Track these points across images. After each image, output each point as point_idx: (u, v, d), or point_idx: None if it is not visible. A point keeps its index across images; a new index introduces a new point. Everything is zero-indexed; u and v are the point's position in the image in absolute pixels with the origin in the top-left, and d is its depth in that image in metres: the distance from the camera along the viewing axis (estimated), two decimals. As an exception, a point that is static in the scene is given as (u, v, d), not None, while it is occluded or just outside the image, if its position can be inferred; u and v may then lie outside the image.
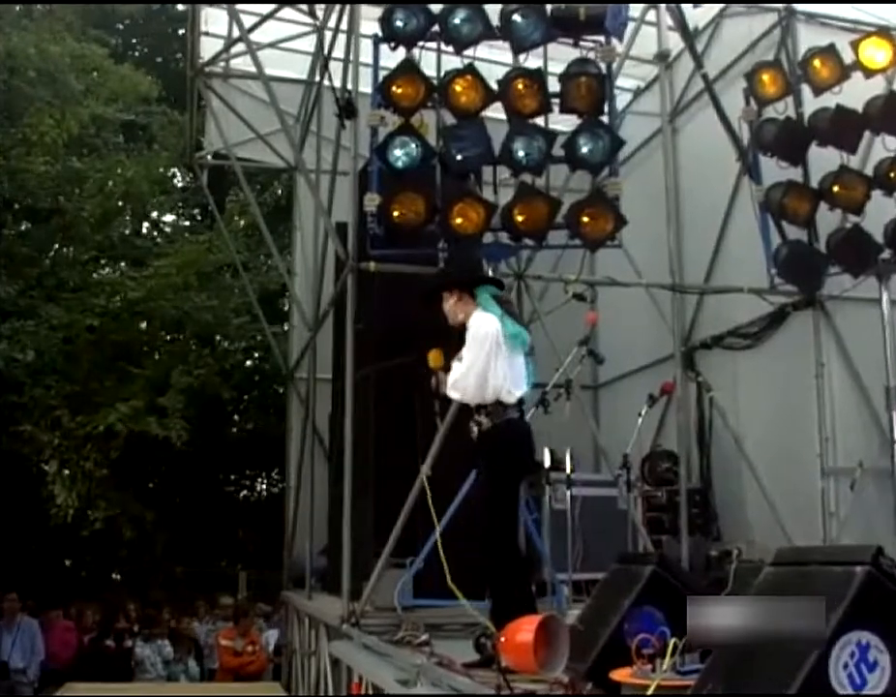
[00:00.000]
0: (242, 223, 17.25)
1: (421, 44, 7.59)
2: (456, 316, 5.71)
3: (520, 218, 7.21)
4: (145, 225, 20.22)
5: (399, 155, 7.41)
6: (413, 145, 7.39)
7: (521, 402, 5.63)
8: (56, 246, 17.12)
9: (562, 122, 7.84)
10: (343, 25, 8.91)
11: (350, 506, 7.56)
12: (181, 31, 19.24)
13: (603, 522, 8.26)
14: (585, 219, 7.17)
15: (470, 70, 7.43)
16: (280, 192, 19.20)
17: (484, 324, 5.52)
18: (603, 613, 3.93)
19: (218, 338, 18.79)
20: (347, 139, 8.40)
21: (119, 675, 12.46)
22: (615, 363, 10.55)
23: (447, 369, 5.71)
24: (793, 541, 8.64)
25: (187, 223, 20.86)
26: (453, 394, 5.69)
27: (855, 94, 8.43)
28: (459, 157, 7.30)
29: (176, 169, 19.79)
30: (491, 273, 7.63)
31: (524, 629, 3.83)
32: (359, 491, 7.76)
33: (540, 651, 3.70)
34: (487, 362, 5.43)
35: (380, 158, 7.45)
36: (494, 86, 7.42)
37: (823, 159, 8.49)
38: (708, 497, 10.12)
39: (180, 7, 19.62)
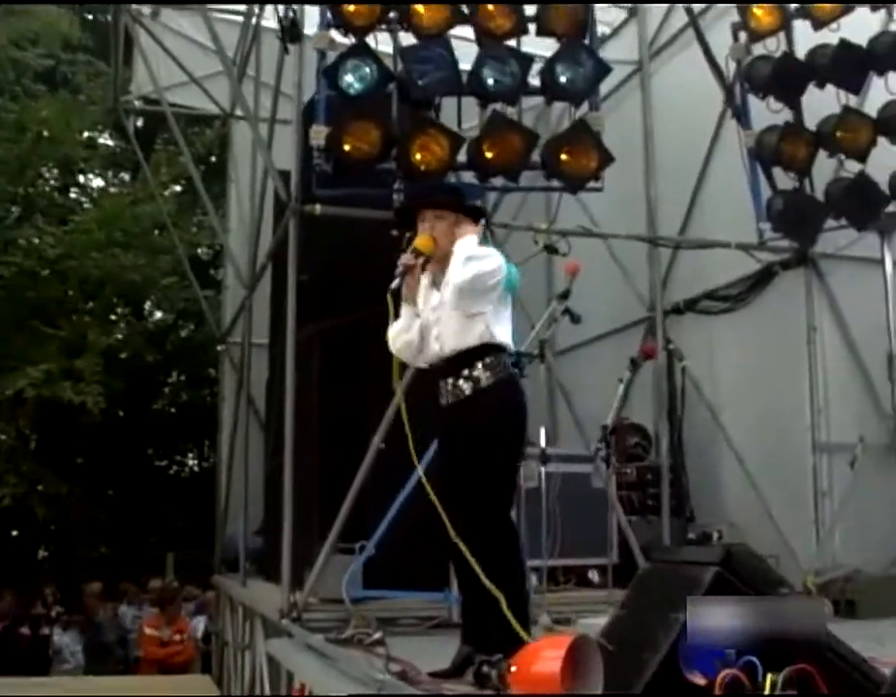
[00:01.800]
0: (169, 177, 15.96)
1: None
2: (447, 240, 4.61)
3: (490, 153, 6.28)
4: (73, 191, 18.88)
5: (351, 80, 6.43)
6: (368, 69, 6.42)
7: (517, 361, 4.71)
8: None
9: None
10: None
11: (291, 484, 6.61)
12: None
13: (576, 502, 7.38)
14: (565, 156, 6.26)
15: (435, -17, 6.48)
16: (212, 150, 18.03)
17: (494, 256, 4.57)
18: (644, 629, 3.00)
19: (147, 305, 17.68)
20: (290, 86, 7.41)
21: (35, 666, 11.45)
22: (572, 329, 9.68)
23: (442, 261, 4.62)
24: (779, 523, 7.87)
25: (114, 189, 19.55)
26: (462, 284, 4.45)
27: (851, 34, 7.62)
28: (421, 82, 6.33)
29: (107, 136, 18.56)
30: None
31: (547, 657, 2.83)
32: (301, 466, 6.81)
33: (567, 683, 2.73)
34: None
35: (330, 83, 6.47)
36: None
37: (815, 103, 7.66)
38: (680, 474, 9.32)
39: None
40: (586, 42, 6.51)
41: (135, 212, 15.02)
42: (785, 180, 7.66)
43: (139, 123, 17.01)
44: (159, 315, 18.54)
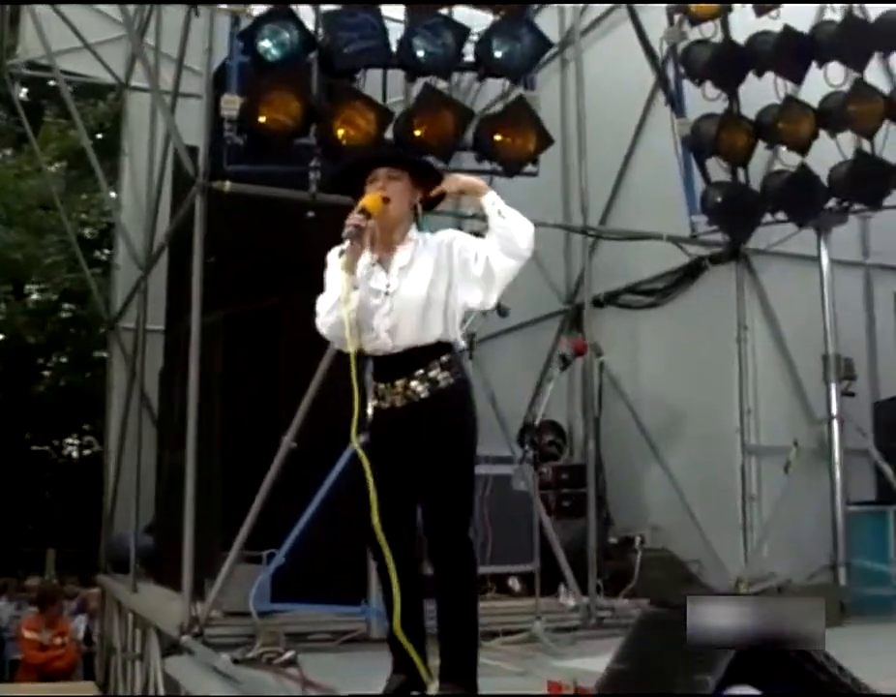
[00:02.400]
0: (58, 151, 15.05)
1: None
2: (399, 207, 4.05)
3: (420, 130, 5.78)
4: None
5: (269, 45, 5.88)
6: (288, 34, 5.87)
7: None
8: None
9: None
10: None
11: (194, 484, 6.03)
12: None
13: (497, 506, 6.97)
14: (500, 137, 5.80)
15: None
16: (103, 124, 17.09)
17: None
18: (661, 689, 2.54)
19: (29, 287, 16.70)
20: (194, 57, 6.81)
21: None
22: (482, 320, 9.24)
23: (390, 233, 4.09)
24: (706, 527, 7.61)
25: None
26: (520, 233, 4.00)
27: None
28: (346, 50, 5.80)
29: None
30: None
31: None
32: (201, 464, 6.22)
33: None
34: None
35: (245, 48, 5.90)
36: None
37: (750, 92, 7.35)
38: (597, 474, 8.97)
39: None
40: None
41: (20, 187, 14.09)
42: (717, 171, 7.35)
43: (24, 94, 16.01)
44: (38, 295, 17.53)
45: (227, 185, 6.12)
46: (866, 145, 6.84)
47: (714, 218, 6.92)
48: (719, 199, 6.78)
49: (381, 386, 4.06)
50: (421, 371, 3.97)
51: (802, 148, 6.77)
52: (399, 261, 4.06)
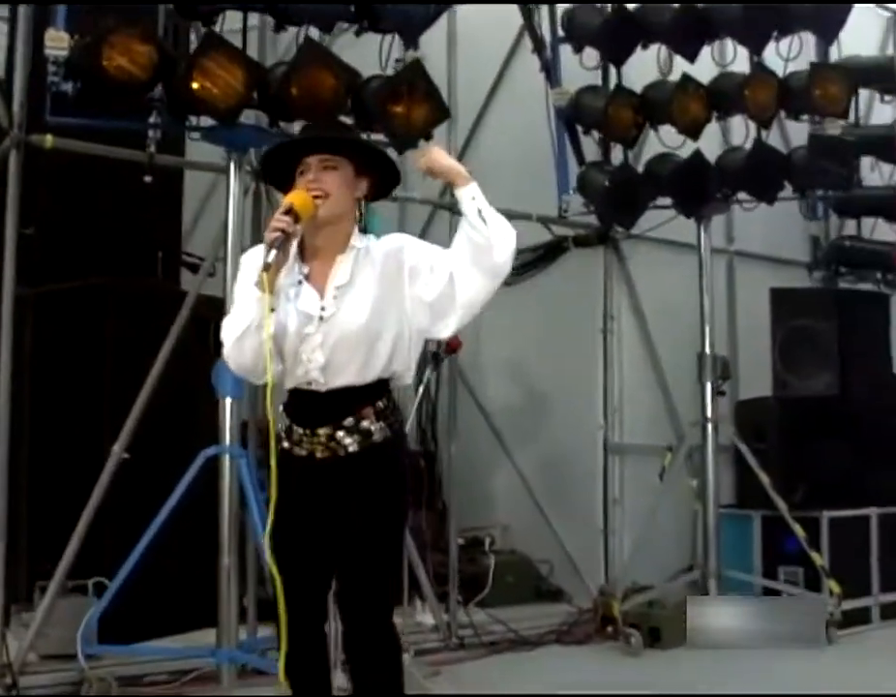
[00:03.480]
0: None
1: None
2: (337, 204, 3.17)
3: (296, 90, 4.86)
4: None
5: (111, -25, 4.82)
6: (134, -38, 4.82)
7: None
8: None
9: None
10: None
11: (5, 497, 4.99)
12: None
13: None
14: (392, 106, 4.96)
15: None
16: None
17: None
18: None
19: None
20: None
21: None
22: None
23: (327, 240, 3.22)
24: (561, 530, 7.12)
25: None
26: (503, 244, 3.09)
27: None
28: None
29: None
30: (234, 169, 5.27)
31: None
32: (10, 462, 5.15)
33: None
34: None
35: (77, -26, 4.82)
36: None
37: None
38: (432, 465, 8.35)
39: None
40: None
41: None
42: (591, 149, 6.77)
43: None
44: None
45: (49, 140, 5.05)
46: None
47: (598, 202, 6.31)
48: (606, 183, 6.17)
49: (299, 431, 3.21)
50: (351, 420, 3.15)
51: (695, 132, 6.25)
52: (336, 278, 3.18)
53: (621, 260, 7.16)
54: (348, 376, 3.14)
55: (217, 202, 5.90)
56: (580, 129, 6.64)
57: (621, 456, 7.01)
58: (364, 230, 3.33)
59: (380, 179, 3.32)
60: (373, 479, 3.17)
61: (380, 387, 3.20)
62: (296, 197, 3.11)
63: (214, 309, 5.78)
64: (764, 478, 6.52)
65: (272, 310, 3.07)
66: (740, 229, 7.71)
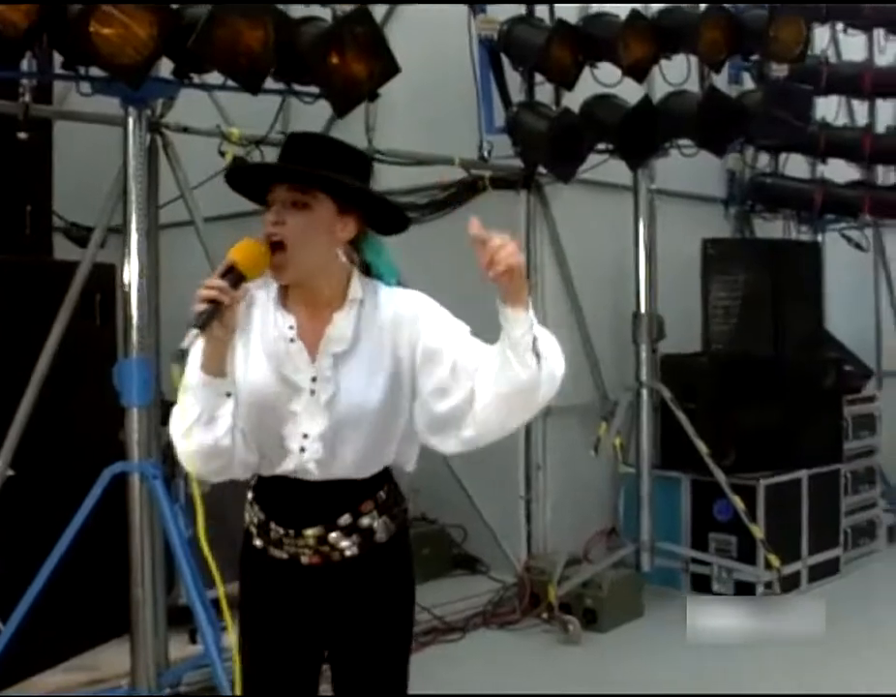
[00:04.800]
0: None
1: None
2: (309, 255, 2.40)
3: (215, 37, 3.99)
4: None
5: None
6: None
7: None
8: None
9: None
10: None
11: None
12: None
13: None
14: (336, 60, 4.14)
15: None
16: None
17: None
18: None
19: None
20: None
21: None
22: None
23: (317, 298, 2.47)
24: (470, 492, 6.60)
25: None
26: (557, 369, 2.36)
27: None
28: None
29: None
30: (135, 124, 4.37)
31: None
32: None
33: None
34: None
35: None
36: None
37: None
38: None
39: None
40: None
41: None
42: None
43: None
44: None
45: None
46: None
47: (533, 148, 5.64)
48: (545, 129, 5.49)
49: (278, 530, 2.53)
50: (348, 517, 2.48)
51: (640, 73, 5.62)
52: (333, 341, 2.44)
53: (545, 206, 6.53)
54: (349, 467, 2.46)
55: (101, 160, 4.95)
56: (505, 64, 5.95)
57: (544, 418, 6.48)
58: (367, 270, 2.59)
59: (374, 210, 2.55)
60: (376, 589, 2.54)
61: (383, 478, 2.53)
62: (243, 250, 2.33)
63: (103, 277, 5.00)
64: (702, 446, 6.14)
65: (228, 394, 2.38)
66: (659, 164, 7.16)
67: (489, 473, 6.62)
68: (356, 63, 4.17)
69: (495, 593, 6.24)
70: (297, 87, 4.39)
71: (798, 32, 5.63)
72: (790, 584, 6.36)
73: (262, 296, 2.50)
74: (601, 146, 5.95)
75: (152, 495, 4.20)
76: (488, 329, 2.37)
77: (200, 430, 2.39)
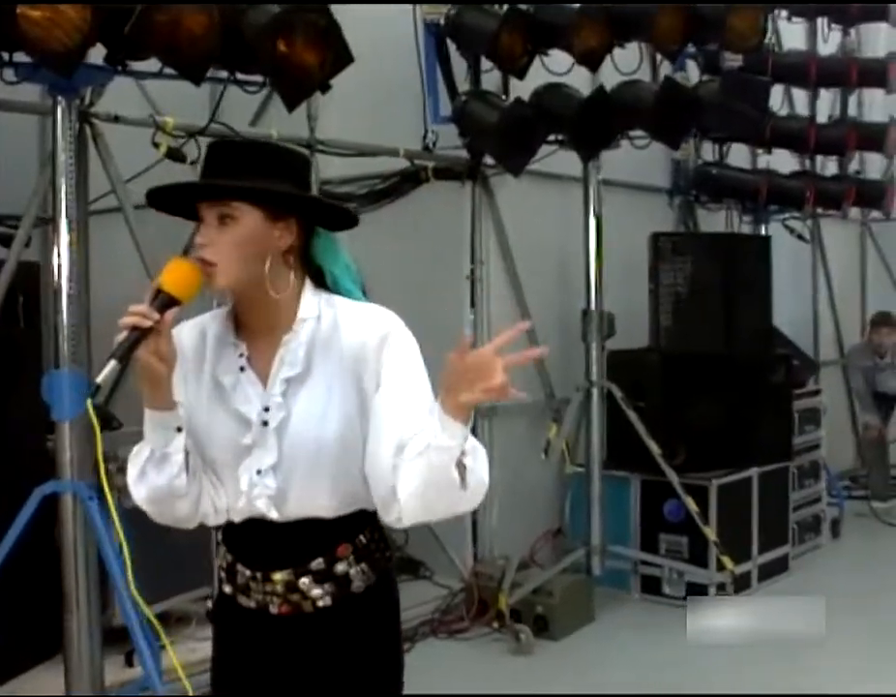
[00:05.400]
0: None
1: None
2: (240, 268, 2.12)
3: (162, 24, 3.68)
4: None
5: None
6: None
7: None
8: None
9: None
10: None
11: None
12: None
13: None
14: (285, 47, 3.85)
15: None
16: None
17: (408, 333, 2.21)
18: None
19: None
20: None
21: None
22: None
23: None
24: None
25: None
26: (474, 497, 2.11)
27: None
28: None
29: None
30: (64, 111, 4.03)
31: None
32: None
33: None
34: None
35: None
36: None
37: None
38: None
39: None
40: None
41: None
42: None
43: None
44: None
45: None
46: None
47: (483, 140, 5.41)
48: (495, 119, 5.25)
49: (245, 572, 2.27)
50: (321, 562, 2.22)
51: (594, 62, 5.40)
52: (284, 366, 2.17)
53: (491, 198, 6.31)
54: (307, 505, 2.19)
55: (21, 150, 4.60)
56: (451, 50, 5.71)
57: (490, 418, 6.27)
58: (320, 281, 2.30)
59: (313, 211, 2.25)
60: (353, 647, 2.25)
61: (363, 518, 2.26)
62: (170, 272, 2.09)
63: (26, 276, 4.69)
64: (653, 446, 5.99)
65: (178, 429, 2.14)
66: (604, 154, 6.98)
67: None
68: (307, 52, 3.88)
69: (442, 600, 6.04)
70: (240, 76, 4.09)
71: (755, 21, 5.47)
72: (740, 584, 6.24)
73: (214, 327, 2.26)
74: (551, 137, 5.73)
75: (87, 515, 3.90)
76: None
77: (153, 470, 2.16)
